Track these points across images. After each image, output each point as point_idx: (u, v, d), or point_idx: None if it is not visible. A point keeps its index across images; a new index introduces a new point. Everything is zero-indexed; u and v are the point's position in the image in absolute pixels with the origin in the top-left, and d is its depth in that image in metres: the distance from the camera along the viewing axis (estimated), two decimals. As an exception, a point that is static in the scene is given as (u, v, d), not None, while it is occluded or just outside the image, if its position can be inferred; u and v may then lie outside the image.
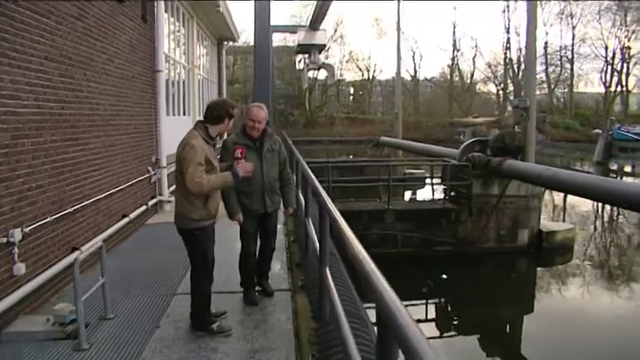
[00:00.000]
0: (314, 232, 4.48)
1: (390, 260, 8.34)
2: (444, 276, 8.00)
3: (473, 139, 11.06)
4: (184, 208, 3.53)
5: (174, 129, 8.69)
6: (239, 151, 3.77)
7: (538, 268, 10.66)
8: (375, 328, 1.61)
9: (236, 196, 4.00)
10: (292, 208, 4.53)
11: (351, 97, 58.69)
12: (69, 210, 4.81)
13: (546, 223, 11.22)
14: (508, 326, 8.24)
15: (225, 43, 17.36)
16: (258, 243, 4.35)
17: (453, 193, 10.76)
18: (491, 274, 10.05)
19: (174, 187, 5.83)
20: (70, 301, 3.72)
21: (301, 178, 6.82)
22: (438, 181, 12.08)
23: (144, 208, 7.43)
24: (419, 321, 8.25)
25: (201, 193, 3.45)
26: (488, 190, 10.43)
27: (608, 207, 16.85)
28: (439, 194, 12.42)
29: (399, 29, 22.30)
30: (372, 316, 2.72)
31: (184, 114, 11.60)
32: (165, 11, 9.51)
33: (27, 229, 4.00)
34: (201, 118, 3.66)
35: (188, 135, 3.54)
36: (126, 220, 6.56)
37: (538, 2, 41.69)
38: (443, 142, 32.89)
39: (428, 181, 12.96)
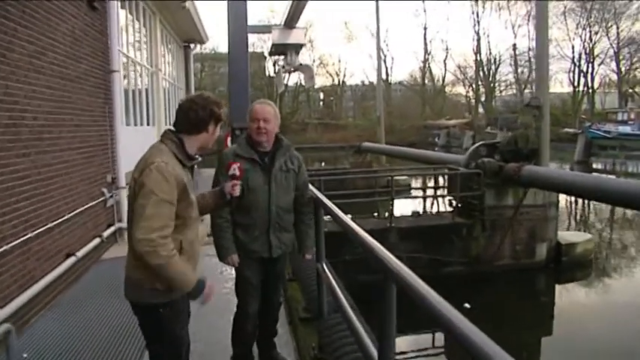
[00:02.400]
0: (336, 286, 3.14)
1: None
2: (467, 305, 6.73)
3: (480, 143, 9.90)
4: (141, 271, 2.03)
5: (135, 141, 7.20)
6: (235, 166, 2.41)
7: (568, 288, 9.44)
8: None
9: (231, 229, 2.80)
10: (310, 255, 3.20)
11: (321, 103, 57.88)
12: (-28, 264, 3.31)
13: (562, 233, 10.11)
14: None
15: (193, 46, 15.96)
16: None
17: (460, 205, 9.53)
18: (510, 294, 8.85)
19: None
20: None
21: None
22: (444, 191, 10.72)
23: (97, 241, 5.96)
24: (425, 350, 7.06)
25: (150, 263, 1.96)
26: (501, 201, 9.22)
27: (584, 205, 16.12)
28: (439, 205, 11.16)
29: (378, 30, 21.21)
30: None
31: (148, 124, 10.10)
32: (122, 7, 8.10)
33: None
34: (171, 127, 2.21)
35: (151, 151, 2.08)
36: (72, 260, 5.09)
37: (507, 4, 42.05)
38: (417, 144, 32.35)
39: (428, 192, 11.70)
